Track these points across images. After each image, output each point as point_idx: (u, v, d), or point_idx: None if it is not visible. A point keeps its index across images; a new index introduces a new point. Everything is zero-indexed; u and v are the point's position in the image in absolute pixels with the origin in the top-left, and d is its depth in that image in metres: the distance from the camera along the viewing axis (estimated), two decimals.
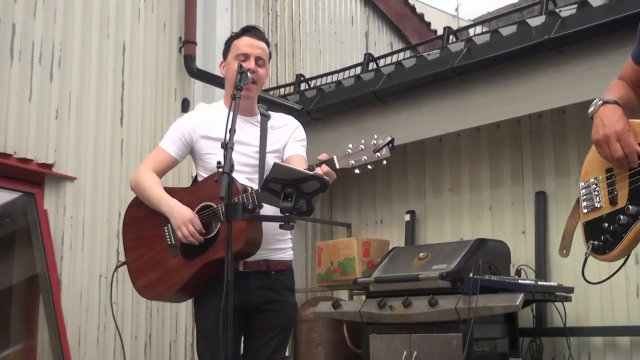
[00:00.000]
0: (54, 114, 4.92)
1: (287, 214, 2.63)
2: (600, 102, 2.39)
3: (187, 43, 6.02)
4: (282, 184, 2.65)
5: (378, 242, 5.88)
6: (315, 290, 6.27)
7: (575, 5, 4.69)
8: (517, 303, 4.27)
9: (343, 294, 6.18)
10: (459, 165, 5.93)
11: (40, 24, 4.90)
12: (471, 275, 4.44)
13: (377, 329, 4.88)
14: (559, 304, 4.83)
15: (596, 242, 2.36)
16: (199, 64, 6.02)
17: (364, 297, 5.26)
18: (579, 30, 4.53)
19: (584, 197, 2.45)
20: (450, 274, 4.57)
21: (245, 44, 3.30)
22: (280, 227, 2.66)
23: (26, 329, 4.79)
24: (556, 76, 4.75)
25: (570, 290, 4.74)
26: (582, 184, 2.47)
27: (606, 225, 2.34)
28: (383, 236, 6.19)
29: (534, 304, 4.97)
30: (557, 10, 4.80)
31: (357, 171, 2.87)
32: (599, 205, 2.38)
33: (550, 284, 4.84)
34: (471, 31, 6.21)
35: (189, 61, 5.99)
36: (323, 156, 2.90)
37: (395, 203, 6.34)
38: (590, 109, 2.41)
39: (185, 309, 5.65)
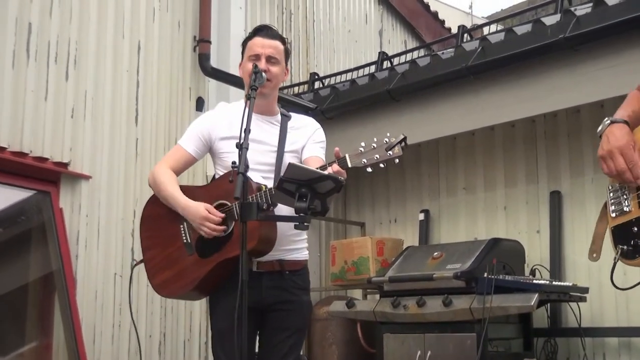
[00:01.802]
0: (69, 113, 4.94)
1: (301, 214, 2.63)
2: (608, 121, 2.40)
3: (202, 42, 6.03)
4: (296, 184, 2.65)
5: (392, 241, 5.87)
6: (329, 289, 6.28)
7: (591, 4, 4.66)
8: (532, 303, 4.26)
9: (357, 293, 6.18)
10: (473, 164, 5.91)
11: (56, 24, 4.92)
12: (485, 275, 4.43)
13: (391, 328, 4.88)
14: (573, 304, 4.81)
15: (625, 247, 2.33)
16: (214, 62, 6.03)
17: (377, 297, 5.26)
18: (595, 29, 4.50)
19: (612, 200, 2.43)
20: (464, 274, 4.56)
21: (257, 44, 3.31)
22: (295, 227, 2.67)
23: (41, 327, 4.82)
24: (571, 75, 4.73)
25: (585, 290, 4.72)
26: (610, 187, 2.45)
27: (635, 229, 2.31)
28: (397, 235, 6.19)
29: (549, 304, 4.95)
30: (572, 8, 4.78)
31: (369, 170, 2.87)
32: (627, 210, 2.36)
33: (565, 284, 4.83)
34: (485, 29, 6.19)
35: (203, 60, 6.00)
36: (336, 152, 2.91)
37: (409, 202, 6.33)
38: (599, 128, 2.42)
39: (199, 308, 5.67)
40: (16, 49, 4.63)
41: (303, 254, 3.34)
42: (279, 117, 3.38)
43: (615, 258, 2.36)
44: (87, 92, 5.07)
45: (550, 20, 4.84)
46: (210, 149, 3.37)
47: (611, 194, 2.44)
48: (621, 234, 2.37)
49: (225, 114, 3.37)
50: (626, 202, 2.37)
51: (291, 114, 3.47)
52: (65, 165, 4.85)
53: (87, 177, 4.98)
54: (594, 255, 2.56)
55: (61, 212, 4.78)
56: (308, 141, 3.35)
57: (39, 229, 4.79)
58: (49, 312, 4.73)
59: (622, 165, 2.29)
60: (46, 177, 4.77)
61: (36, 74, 4.75)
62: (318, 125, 3.47)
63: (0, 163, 4.43)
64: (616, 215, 2.40)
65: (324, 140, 3.42)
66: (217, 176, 3.36)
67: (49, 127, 4.79)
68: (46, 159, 4.72)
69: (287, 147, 3.29)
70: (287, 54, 3.42)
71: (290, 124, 3.37)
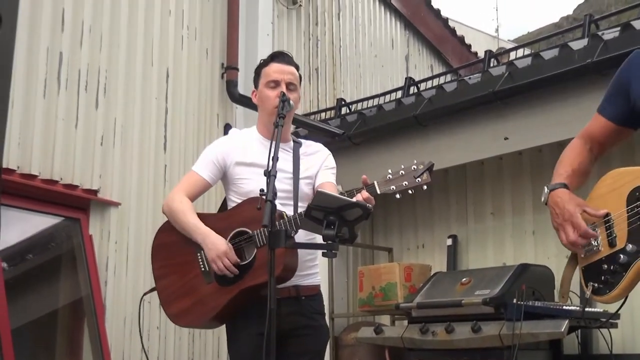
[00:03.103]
0: (99, 140, 5.00)
1: (329, 242, 2.62)
2: (547, 190, 2.51)
3: (229, 69, 6.10)
4: (324, 211, 2.65)
5: (420, 266, 5.84)
6: (357, 315, 6.25)
7: (619, 28, 4.65)
8: (562, 329, 4.22)
9: (385, 319, 6.15)
10: (501, 189, 5.88)
11: (86, 53, 4.99)
12: (515, 300, 4.39)
13: (419, 354, 4.84)
14: (604, 330, 4.75)
15: (596, 284, 2.37)
16: (241, 89, 6.08)
17: (406, 323, 5.23)
18: (623, 53, 4.47)
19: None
20: (493, 300, 4.53)
21: (275, 70, 3.31)
22: (323, 255, 2.65)
23: (71, 353, 4.85)
24: (599, 99, 4.68)
25: (617, 316, 4.65)
26: None
27: (605, 267, 2.36)
28: (425, 261, 6.15)
29: (579, 330, 4.89)
30: (599, 33, 4.77)
31: (398, 196, 2.88)
32: (598, 249, 2.40)
33: (596, 309, 4.76)
34: (512, 54, 6.19)
35: (231, 87, 6.06)
36: (363, 179, 2.91)
37: (437, 227, 6.30)
38: (542, 198, 2.53)
39: None
40: (47, 77, 4.70)
41: (317, 279, 3.33)
42: (291, 143, 3.38)
43: (586, 295, 2.40)
44: (116, 119, 5.14)
45: (577, 44, 4.83)
46: (224, 175, 3.35)
47: None
48: (592, 273, 2.41)
49: (238, 140, 3.38)
50: (596, 241, 2.40)
51: (301, 140, 3.48)
52: (95, 192, 4.90)
53: (116, 204, 5.03)
54: (563, 297, 2.63)
55: (91, 239, 4.82)
56: (321, 167, 3.36)
57: (68, 255, 4.84)
58: (78, 338, 4.76)
59: (572, 237, 2.38)
60: (76, 204, 4.82)
61: (67, 102, 4.82)
62: (328, 151, 3.48)
63: (31, 190, 4.49)
64: (586, 255, 2.44)
65: (335, 167, 3.43)
66: (229, 203, 3.34)
67: (79, 155, 4.85)
68: (76, 186, 4.78)
69: (301, 174, 3.29)
70: (301, 79, 3.44)
71: (302, 150, 3.38)
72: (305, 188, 3.29)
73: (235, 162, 3.30)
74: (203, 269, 3.21)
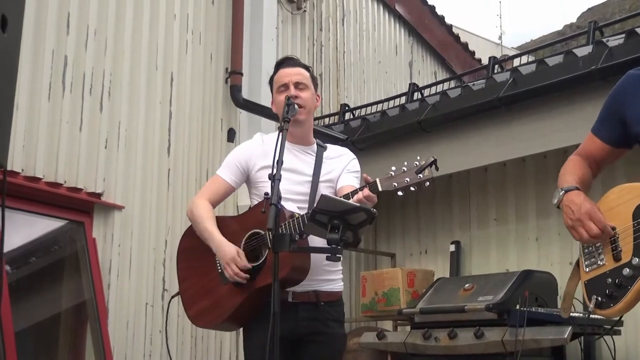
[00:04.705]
0: (103, 144, 5.00)
1: (333, 246, 2.62)
2: (562, 191, 2.51)
3: (234, 74, 6.09)
4: (329, 215, 2.65)
5: (423, 272, 5.85)
6: (359, 320, 6.25)
7: (623, 35, 4.65)
8: (565, 336, 4.22)
9: (387, 325, 6.14)
10: (504, 196, 5.88)
11: (91, 56, 5.00)
12: (518, 307, 4.39)
13: None
14: (607, 338, 4.74)
15: (600, 298, 2.37)
16: (245, 94, 6.09)
17: (408, 328, 5.23)
18: (627, 60, 4.48)
19: (586, 256, 2.48)
20: (496, 306, 4.53)
21: (282, 75, 3.36)
22: (327, 258, 2.66)
23: (73, 356, 4.85)
24: None
25: (620, 323, 4.65)
26: (584, 246, 2.50)
27: (610, 280, 2.36)
28: (428, 266, 6.15)
29: (582, 338, 4.88)
30: (604, 39, 4.77)
31: (400, 193, 2.88)
32: (602, 263, 2.41)
33: (599, 317, 4.75)
34: (516, 61, 6.19)
35: (235, 91, 6.06)
36: (365, 177, 2.91)
37: (440, 233, 6.30)
38: (555, 200, 2.53)
39: (229, 338, 5.67)
40: (52, 81, 4.71)
41: (338, 285, 3.32)
42: (314, 147, 3.40)
43: (589, 308, 2.40)
44: (120, 123, 5.14)
45: (582, 51, 4.84)
46: (247, 178, 3.39)
47: (585, 250, 2.49)
48: (595, 286, 2.41)
49: (262, 144, 3.40)
50: (600, 256, 2.42)
51: (327, 145, 3.49)
52: (99, 195, 4.90)
53: (119, 207, 5.03)
54: (565, 311, 2.64)
55: (94, 242, 4.82)
56: (343, 171, 3.36)
57: (72, 258, 4.84)
58: (80, 341, 4.76)
59: (595, 230, 2.37)
60: (80, 207, 4.82)
61: (71, 106, 4.82)
62: (353, 155, 3.49)
63: (35, 193, 4.49)
64: (590, 270, 2.44)
65: (359, 171, 3.42)
66: (252, 205, 3.38)
67: (83, 158, 4.85)
68: (80, 190, 4.78)
69: (322, 177, 3.31)
70: (314, 80, 3.45)
71: (326, 154, 3.39)
72: (325, 191, 3.28)
73: (258, 166, 3.33)
74: (220, 271, 3.25)
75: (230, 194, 3.46)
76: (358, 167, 3.44)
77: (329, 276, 3.26)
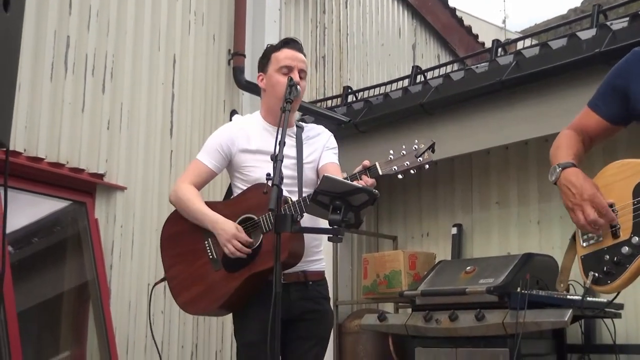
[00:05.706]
0: (105, 125, 5.00)
1: (335, 227, 2.63)
2: (559, 168, 2.45)
3: (236, 55, 6.09)
4: (330, 196, 2.65)
5: (424, 255, 5.86)
6: (360, 302, 6.27)
7: (627, 18, 4.63)
8: (566, 319, 4.22)
9: (389, 307, 6.17)
10: (506, 179, 5.88)
11: (94, 37, 4.99)
12: (519, 289, 4.40)
13: (422, 342, 4.86)
14: (608, 321, 4.75)
15: (597, 274, 2.37)
16: (247, 75, 6.08)
17: (409, 310, 5.24)
18: (631, 44, 4.46)
19: (583, 231, 2.45)
20: (497, 289, 4.53)
21: (288, 56, 3.31)
22: (329, 239, 2.66)
23: (75, 336, 4.87)
24: None
25: (620, 306, 4.67)
26: None
27: (607, 257, 2.35)
28: (429, 249, 6.17)
29: (583, 320, 4.90)
30: (608, 23, 4.75)
31: (400, 177, 2.89)
32: (599, 239, 2.39)
33: (600, 299, 4.76)
34: (519, 44, 6.17)
35: (237, 73, 6.06)
36: (365, 162, 2.91)
37: (442, 216, 6.31)
38: (552, 177, 2.47)
39: (231, 319, 5.67)
40: (54, 61, 4.70)
41: (322, 264, 3.36)
42: (294, 128, 3.39)
43: (586, 284, 2.39)
44: (123, 104, 5.14)
45: (585, 34, 4.81)
46: (230, 162, 3.35)
47: None
48: (591, 262, 2.40)
49: (242, 126, 3.37)
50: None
51: (302, 123, 3.48)
52: (101, 176, 4.90)
53: (122, 188, 5.04)
54: (562, 285, 2.61)
55: (96, 223, 4.83)
56: (323, 149, 3.37)
57: (74, 239, 4.85)
58: (83, 321, 4.78)
59: (593, 216, 2.32)
60: (82, 187, 4.83)
61: (73, 87, 4.82)
62: (330, 132, 3.49)
63: (37, 174, 4.50)
64: (587, 245, 2.43)
65: (337, 147, 3.44)
66: (235, 190, 3.35)
67: (85, 139, 4.85)
68: (82, 170, 4.78)
69: (305, 159, 3.31)
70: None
71: (304, 134, 3.39)
72: (309, 173, 3.30)
73: (240, 149, 3.30)
74: (211, 257, 3.22)
75: (212, 178, 3.41)
76: (335, 144, 3.45)
77: (315, 256, 3.29)
